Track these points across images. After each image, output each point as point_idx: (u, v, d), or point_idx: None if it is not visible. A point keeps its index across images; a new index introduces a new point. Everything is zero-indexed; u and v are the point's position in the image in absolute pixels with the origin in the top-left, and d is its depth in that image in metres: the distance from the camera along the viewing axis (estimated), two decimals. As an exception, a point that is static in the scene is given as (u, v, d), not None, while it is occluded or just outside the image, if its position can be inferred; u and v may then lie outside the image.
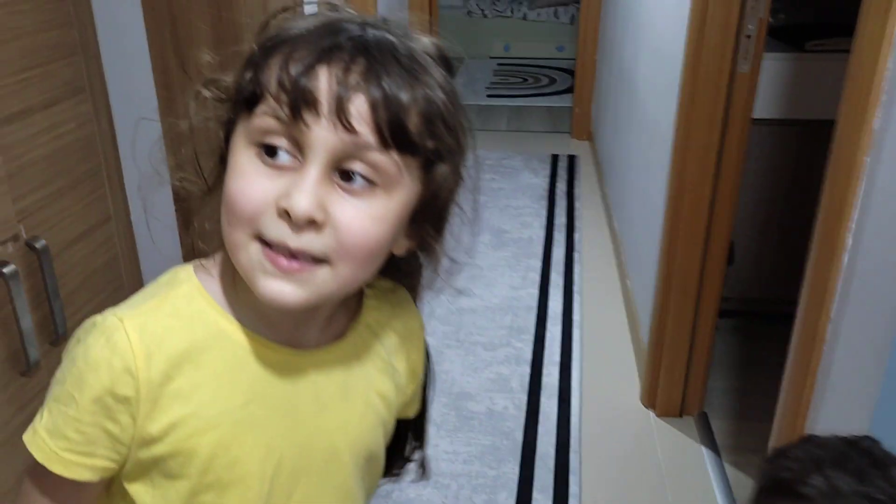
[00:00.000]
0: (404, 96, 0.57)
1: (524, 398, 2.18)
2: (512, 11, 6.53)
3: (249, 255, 0.59)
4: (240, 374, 0.65)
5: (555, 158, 4.21)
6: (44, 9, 1.55)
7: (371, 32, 0.59)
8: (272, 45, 0.59)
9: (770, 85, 2.22)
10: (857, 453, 0.75)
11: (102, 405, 0.61)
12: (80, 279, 1.70)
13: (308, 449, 0.69)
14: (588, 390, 2.25)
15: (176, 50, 1.77)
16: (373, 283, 0.73)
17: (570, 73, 5.43)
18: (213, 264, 0.68)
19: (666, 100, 2.13)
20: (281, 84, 0.56)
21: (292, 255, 0.58)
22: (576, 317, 2.63)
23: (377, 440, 0.75)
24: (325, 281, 0.59)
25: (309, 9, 0.66)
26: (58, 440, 0.62)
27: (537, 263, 3.01)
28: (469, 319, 2.54)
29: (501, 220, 3.40)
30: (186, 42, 1.81)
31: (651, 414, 2.16)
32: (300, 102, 0.56)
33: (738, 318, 2.56)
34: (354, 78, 0.56)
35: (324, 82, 0.56)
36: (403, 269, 0.73)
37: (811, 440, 0.79)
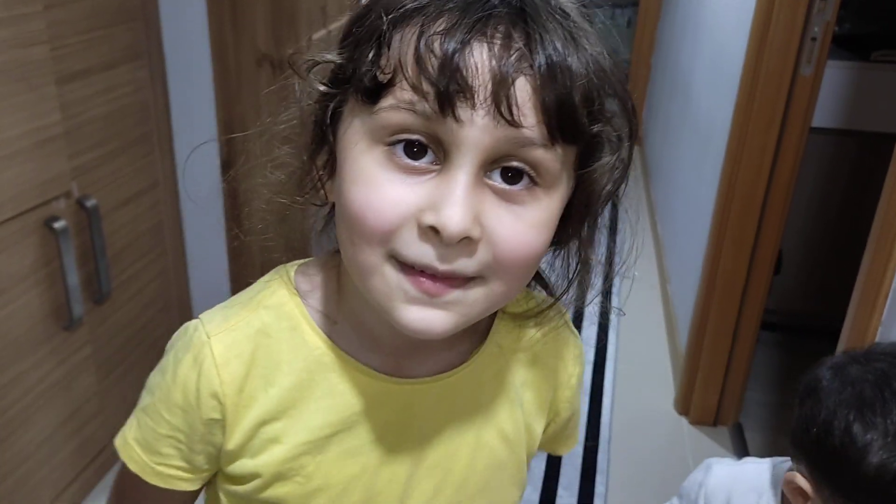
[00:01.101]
0: (574, 69, 0.45)
1: (555, 394, 2.17)
2: (567, 11, 6.49)
3: (386, 280, 0.48)
4: (326, 401, 0.57)
5: (601, 160, 4.17)
6: (109, -28, 1.58)
7: None
8: (402, 12, 0.46)
9: (831, 93, 2.16)
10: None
11: (196, 430, 0.57)
12: (126, 241, 1.74)
13: (408, 487, 0.60)
14: (620, 392, 2.22)
15: (234, 24, 1.79)
16: (510, 318, 0.62)
17: (625, 75, 5.37)
18: (315, 271, 0.59)
19: (723, 100, 2.09)
20: (424, 70, 0.44)
21: (438, 276, 0.47)
22: (613, 318, 2.60)
23: (497, 484, 0.64)
24: (476, 301, 0.49)
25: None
26: (152, 455, 0.59)
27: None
28: (505, 313, 2.52)
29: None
30: (245, 16, 1.83)
31: (684, 421, 2.12)
32: (452, 93, 0.43)
33: (782, 331, 2.50)
34: (517, 53, 0.44)
35: (480, 63, 0.44)
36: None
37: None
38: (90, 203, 1.55)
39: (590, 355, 2.37)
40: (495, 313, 0.61)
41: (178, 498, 0.62)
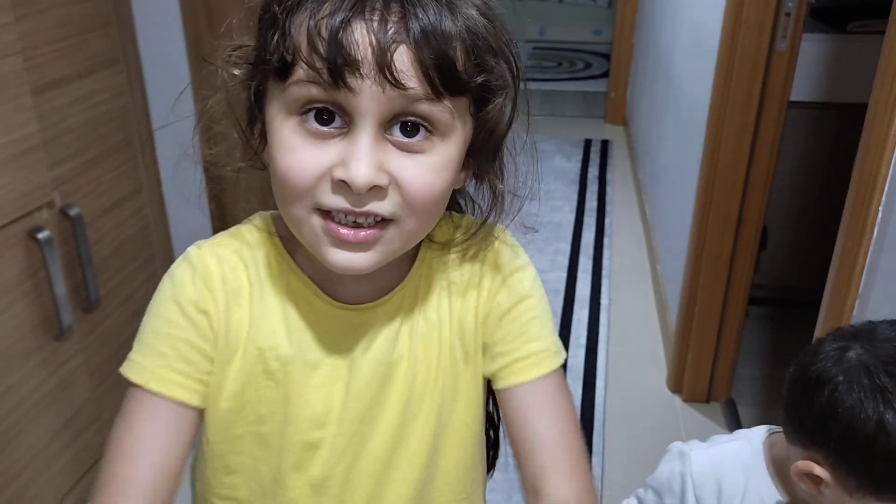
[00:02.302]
0: (448, 33, 0.53)
1: (549, 379, 2.18)
2: (548, -6, 6.46)
3: (312, 228, 0.57)
4: (294, 317, 0.65)
5: (587, 143, 4.18)
6: (80, -21, 1.57)
7: None
8: (295, 1, 0.54)
9: (809, 66, 2.17)
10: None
11: (190, 319, 0.63)
12: (112, 247, 1.74)
13: (357, 402, 0.67)
14: (613, 374, 2.23)
15: (209, 22, 1.78)
16: (437, 246, 0.69)
17: (607, 57, 5.37)
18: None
19: (702, 80, 2.10)
20: (314, 47, 0.52)
21: (356, 222, 0.56)
22: (604, 301, 2.61)
23: (440, 396, 0.69)
24: (392, 239, 0.58)
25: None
26: (153, 357, 0.63)
27: (566, 247, 2.99)
28: (496, 300, 2.53)
29: (531, 203, 3.38)
30: (219, 14, 1.82)
31: (677, 399, 2.14)
32: (340, 66, 0.51)
33: (770, 306, 2.52)
34: (393, 26, 0.51)
35: (362, 38, 0.51)
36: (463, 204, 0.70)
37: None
38: (73, 212, 1.55)
39: (582, 339, 2.38)
40: (420, 242, 0.68)
41: (174, 434, 0.63)
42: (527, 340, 0.69)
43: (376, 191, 0.54)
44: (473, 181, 0.67)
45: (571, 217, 3.26)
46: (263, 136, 0.61)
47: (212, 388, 0.65)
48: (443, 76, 0.53)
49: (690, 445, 0.98)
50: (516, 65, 0.60)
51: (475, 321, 0.69)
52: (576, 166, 3.83)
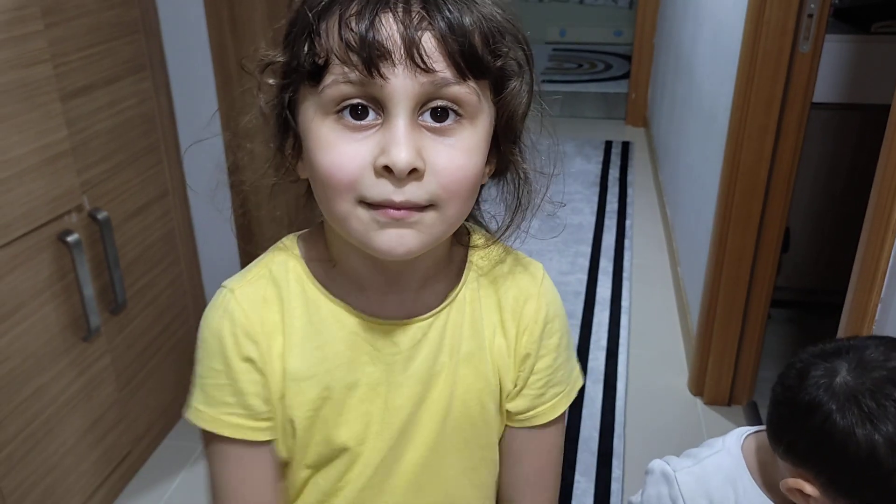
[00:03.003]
0: (467, 21, 0.56)
1: (569, 381, 2.18)
2: (569, -4, 6.45)
3: (360, 219, 0.58)
4: (328, 341, 0.66)
5: (608, 145, 4.17)
6: (107, -13, 1.60)
7: None
8: (322, 6, 0.57)
9: (833, 67, 2.15)
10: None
11: (240, 370, 0.65)
12: (138, 251, 1.77)
13: (395, 418, 0.68)
14: (634, 376, 2.23)
15: (233, 30, 1.81)
16: (481, 249, 0.72)
17: (627, 58, 5.35)
18: (308, 236, 0.70)
19: (724, 82, 2.09)
20: (349, 45, 0.55)
21: (399, 208, 0.58)
22: (624, 303, 2.61)
23: (482, 421, 0.72)
24: (433, 223, 0.59)
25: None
26: (217, 406, 0.66)
27: (587, 249, 2.99)
28: (516, 302, 2.53)
29: (552, 205, 3.38)
30: (244, 22, 1.85)
31: (698, 401, 2.13)
32: (374, 58, 0.55)
33: (793, 308, 2.50)
34: (417, 16, 0.55)
35: (390, 30, 0.55)
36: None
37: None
38: (101, 215, 1.58)
39: (602, 341, 2.38)
40: (465, 264, 0.71)
41: (262, 469, 0.68)
42: (551, 385, 0.74)
43: (415, 175, 0.56)
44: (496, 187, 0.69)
45: (592, 219, 3.26)
46: (296, 150, 0.63)
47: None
48: (466, 59, 0.56)
49: (672, 466, 0.97)
50: (528, 51, 0.63)
51: (514, 357, 0.72)
52: (596, 168, 3.83)
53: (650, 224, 3.23)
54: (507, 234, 0.70)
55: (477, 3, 0.58)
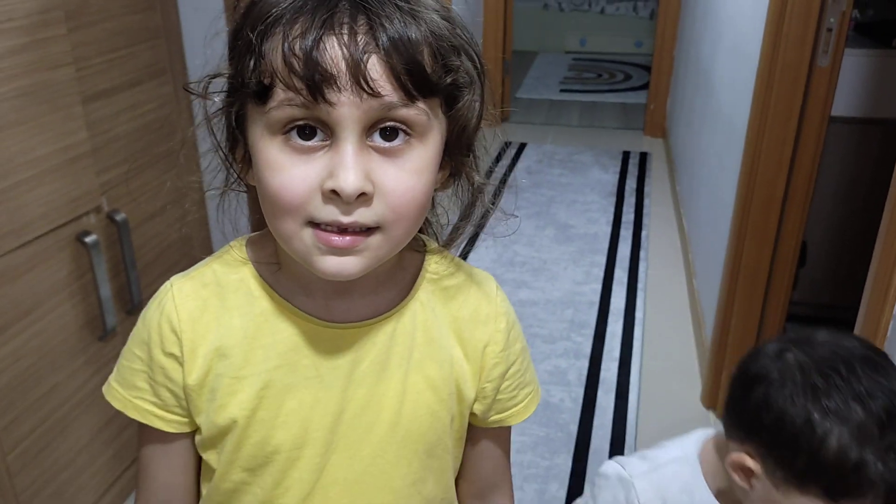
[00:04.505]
0: (414, 39, 0.55)
1: (581, 392, 2.17)
2: (590, 5, 6.45)
3: (303, 241, 0.58)
4: (270, 340, 0.66)
5: (626, 155, 4.16)
6: (131, -8, 1.62)
7: None
8: (265, 26, 0.55)
9: (853, 82, 2.14)
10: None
11: (156, 361, 0.67)
12: (155, 252, 1.79)
13: (337, 424, 0.67)
14: (647, 387, 2.22)
15: (253, 35, 1.82)
16: (436, 258, 0.72)
17: (647, 69, 5.34)
18: (258, 238, 0.70)
19: (742, 94, 2.08)
20: (291, 68, 0.53)
21: (343, 229, 0.57)
22: (638, 314, 2.60)
23: (432, 431, 0.70)
24: (379, 245, 0.59)
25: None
26: (129, 389, 0.68)
27: (602, 259, 2.98)
28: (529, 311, 2.54)
29: (568, 214, 3.37)
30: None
31: (711, 415, 2.12)
32: (319, 82, 0.53)
33: (809, 323, 2.47)
34: (363, 39, 0.53)
35: (334, 54, 0.53)
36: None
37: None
38: (120, 217, 1.60)
39: (616, 352, 2.37)
40: (420, 272, 0.71)
41: (175, 456, 0.70)
42: (521, 387, 0.76)
43: (363, 199, 0.56)
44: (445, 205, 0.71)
45: (608, 229, 3.25)
46: (246, 160, 0.63)
47: (191, 420, 0.69)
48: (414, 80, 0.55)
49: (629, 470, 0.96)
50: (479, 62, 0.62)
51: (472, 368, 0.72)
52: (613, 178, 3.82)
53: (666, 235, 3.22)
54: (455, 242, 0.72)
55: (425, 19, 0.57)
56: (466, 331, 0.71)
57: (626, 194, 3.63)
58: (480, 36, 4.34)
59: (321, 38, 0.53)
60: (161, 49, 1.73)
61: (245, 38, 0.56)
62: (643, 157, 4.13)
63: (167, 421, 0.68)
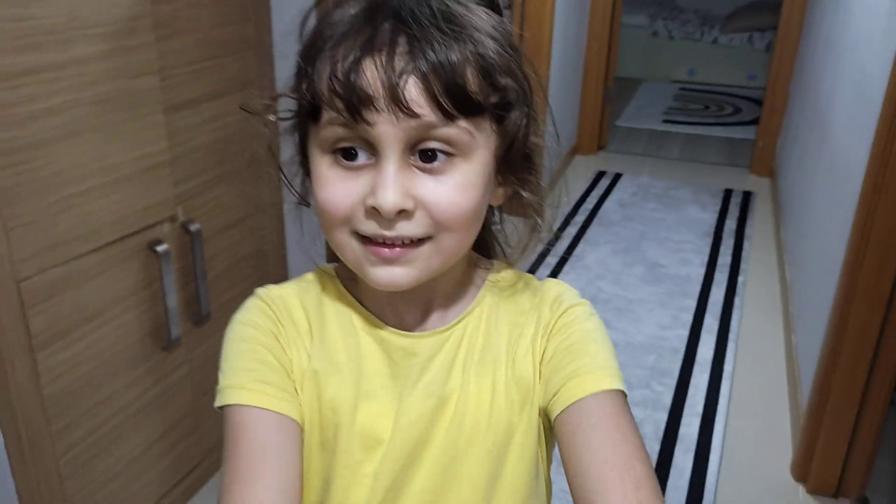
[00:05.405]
0: (454, 61, 0.56)
1: (657, 447, 2.03)
2: (702, 34, 6.22)
3: (353, 250, 0.62)
4: (352, 347, 0.68)
5: (728, 193, 3.94)
6: (223, 4, 1.63)
7: (408, 3, 0.58)
8: (315, 49, 0.59)
9: None
10: None
11: (266, 342, 0.66)
12: (227, 264, 1.77)
13: (406, 434, 0.67)
14: (731, 450, 2.05)
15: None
16: (494, 272, 0.73)
17: (759, 103, 5.09)
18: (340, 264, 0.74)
19: (862, 140, 1.90)
20: (333, 91, 0.57)
21: (391, 244, 0.60)
22: (727, 366, 2.42)
23: (499, 434, 0.67)
24: (429, 255, 0.61)
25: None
26: (241, 374, 0.65)
27: (692, 304, 2.81)
28: (610, 353, 2.40)
29: (659, 253, 3.21)
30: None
31: (801, 489, 1.93)
32: (356, 104, 0.56)
33: (922, 394, 2.24)
34: (400, 61, 0.56)
35: (372, 75, 0.56)
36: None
37: None
38: (194, 227, 1.60)
39: (699, 406, 2.21)
40: (483, 283, 0.72)
41: (287, 437, 0.64)
42: (581, 356, 0.66)
43: (404, 215, 0.58)
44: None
45: (701, 272, 3.06)
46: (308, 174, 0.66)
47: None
48: (454, 100, 0.57)
49: None
50: (527, 80, 0.63)
51: (533, 362, 0.69)
52: (712, 217, 3.62)
53: (765, 283, 3.01)
54: (521, 258, 0.72)
55: (471, 39, 0.58)
56: (523, 325, 0.70)
57: (725, 235, 3.43)
58: (582, 63, 4.23)
59: (360, 60, 0.56)
60: (250, 61, 1.72)
61: (303, 60, 0.61)
62: (746, 197, 3.91)
63: (288, 403, 0.66)
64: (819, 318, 2.04)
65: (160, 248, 1.52)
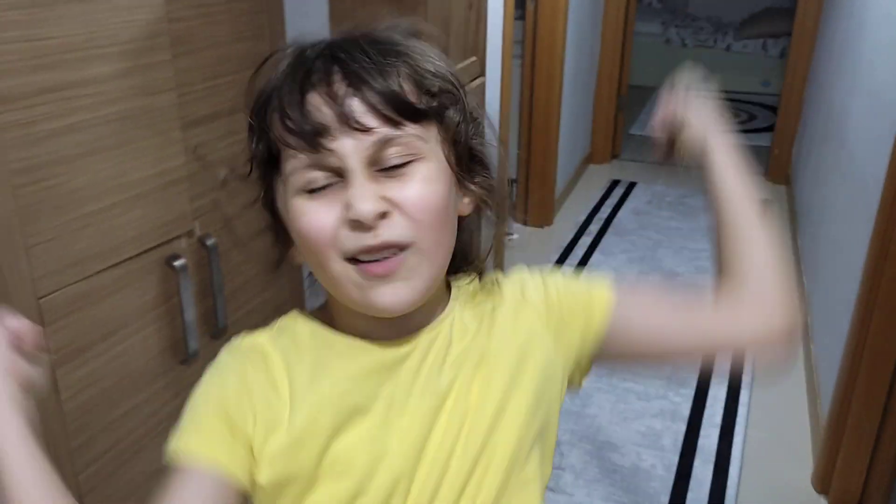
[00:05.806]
0: (387, 74, 0.62)
1: (675, 459, 2.01)
2: (715, 41, 6.21)
3: (351, 278, 0.64)
4: (337, 375, 0.69)
5: (744, 200, 3.92)
6: (239, 20, 1.64)
7: (335, 41, 0.64)
8: (260, 105, 0.65)
9: None
10: None
11: (239, 389, 0.68)
12: (244, 279, 1.78)
13: (408, 438, 0.68)
14: (750, 461, 2.03)
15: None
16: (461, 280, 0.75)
17: (774, 109, 5.06)
18: (317, 309, 0.76)
19: (879, 148, 1.89)
20: (288, 130, 0.62)
21: (378, 257, 0.63)
22: (745, 377, 2.40)
23: (515, 433, 0.70)
24: (418, 262, 0.64)
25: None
26: (197, 432, 0.67)
27: (710, 312, 2.79)
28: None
29: (675, 261, 3.20)
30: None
31: (822, 501, 1.92)
32: (313, 135, 0.61)
33: (945, 404, 2.21)
34: (339, 87, 0.61)
35: (318, 105, 0.61)
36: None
37: None
38: (210, 241, 1.61)
39: (717, 417, 2.19)
40: (449, 294, 0.74)
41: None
42: (582, 290, 0.75)
43: (383, 219, 0.62)
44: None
45: (718, 280, 3.05)
46: (287, 238, 0.70)
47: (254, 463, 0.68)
48: (396, 109, 0.62)
49: None
50: (456, 78, 0.68)
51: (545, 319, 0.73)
52: (728, 225, 3.60)
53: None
54: (477, 261, 0.75)
55: (398, 52, 0.64)
56: (504, 304, 0.74)
57: (741, 243, 3.41)
58: (595, 71, 4.23)
59: (305, 95, 0.62)
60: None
61: (254, 120, 0.66)
62: (762, 205, 3.88)
63: (231, 456, 0.68)
64: (838, 328, 2.02)
65: (178, 263, 1.53)
